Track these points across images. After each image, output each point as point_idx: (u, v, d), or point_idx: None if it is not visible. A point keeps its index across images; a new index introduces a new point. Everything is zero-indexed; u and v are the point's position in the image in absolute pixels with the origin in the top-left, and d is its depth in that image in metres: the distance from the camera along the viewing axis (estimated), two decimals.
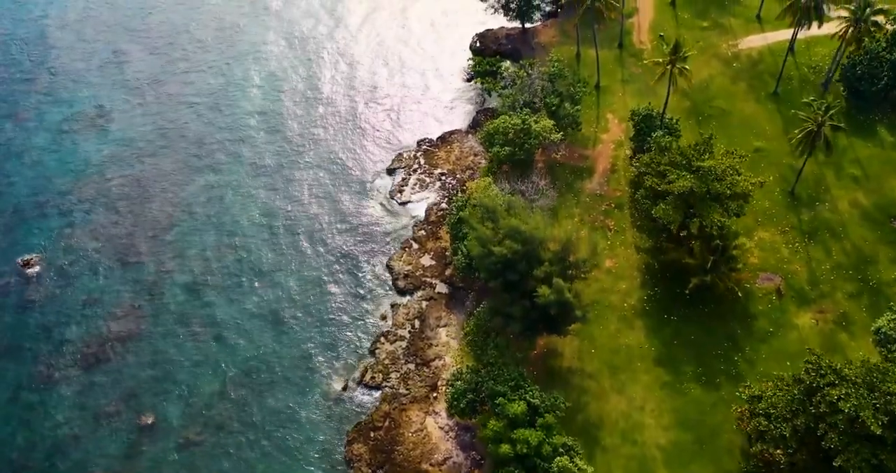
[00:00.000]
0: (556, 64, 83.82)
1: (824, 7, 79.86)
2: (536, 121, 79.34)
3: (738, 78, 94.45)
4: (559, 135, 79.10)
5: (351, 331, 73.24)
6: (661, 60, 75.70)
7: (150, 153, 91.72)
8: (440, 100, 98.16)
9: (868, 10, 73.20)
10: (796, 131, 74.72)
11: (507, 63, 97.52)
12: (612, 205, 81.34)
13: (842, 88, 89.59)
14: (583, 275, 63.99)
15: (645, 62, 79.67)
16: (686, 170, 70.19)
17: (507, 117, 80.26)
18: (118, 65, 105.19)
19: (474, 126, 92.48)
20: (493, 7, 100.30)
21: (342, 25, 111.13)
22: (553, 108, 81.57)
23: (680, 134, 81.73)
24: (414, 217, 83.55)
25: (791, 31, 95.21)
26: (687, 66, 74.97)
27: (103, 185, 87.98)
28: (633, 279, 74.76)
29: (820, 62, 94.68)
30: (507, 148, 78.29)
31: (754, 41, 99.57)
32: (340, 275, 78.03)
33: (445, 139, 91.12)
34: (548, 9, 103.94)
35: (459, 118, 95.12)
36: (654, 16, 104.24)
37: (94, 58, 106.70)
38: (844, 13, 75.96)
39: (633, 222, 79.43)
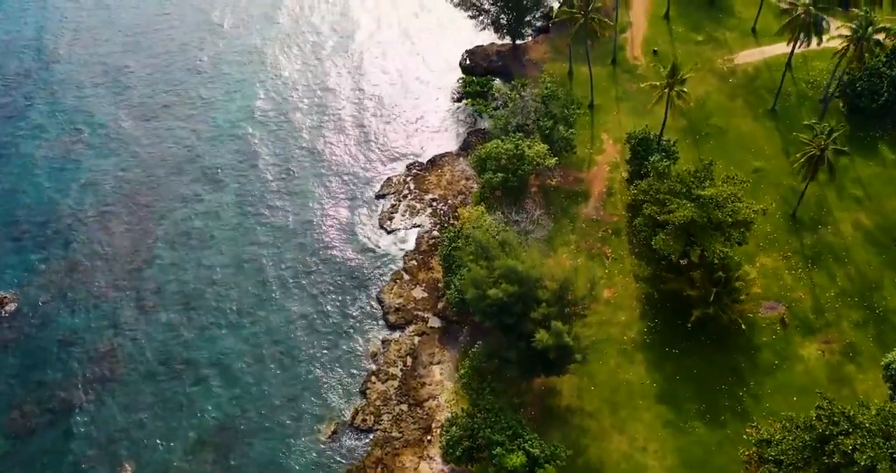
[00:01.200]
0: (548, 85, 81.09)
1: (824, 24, 77.44)
2: (530, 147, 76.64)
3: (735, 94, 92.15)
4: (553, 161, 76.44)
5: (340, 370, 70.22)
6: (657, 84, 73.09)
7: (128, 181, 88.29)
8: (430, 121, 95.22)
9: (870, 28, 70.84)
10: (798, 155, 72.37)
11: (498, 82, 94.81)
12: (609, 231, 78.73)
13: (841, 104, 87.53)
14: (582, 312, 61.27)
15: (642, 86, 76.98)
16: (686, 199, 67.72)
17: (500, 142, 77.52)
18: (95, 87, 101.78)
19: (465, 148, 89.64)
20: (483, 24, 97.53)
21: (326, 48, 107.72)
22: (546, 132, 78.91)
23: (678, 156, 79.31)
24: (404, 245, 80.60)
25: (788, 44, 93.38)
26: (685, 89, 72.39)
27: (81, 216, 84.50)
28: (632, 310, 72.17)
29: (818, 77, 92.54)
30: (499, 174, 75.57)
31: (750, 55, 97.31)
32: (328, 310, 74.95)
33: (436, 162, 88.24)
34: (538, 24, 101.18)
35: (450, 140, 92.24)
36: (648, 30, 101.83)
37: (68, 81, 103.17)
38: (846, 32, 73.62)
39: (632, 249, 76.87)
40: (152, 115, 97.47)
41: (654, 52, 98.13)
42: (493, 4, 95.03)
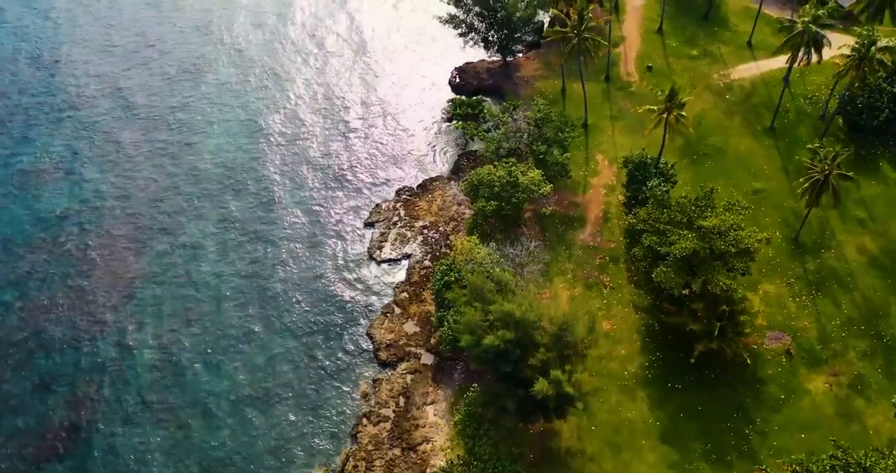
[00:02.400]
0: (541, 107, 78.30)
1: (824, 41, 75.11)
2: (524, 173, 73.95)
3: (732, 111, 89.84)
4: (549, 188, 73.79)
5: (329, 413, 67.29)
6: (654, 108, 70.54)
7: (108, 211, 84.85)
8: (419, 143, 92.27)
9: (874, 48, 68.53)
10: (802, 180, 70.03)
11: (489, 102, 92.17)
12: (607, 259, 76.15)
13: (840, 121, 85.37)
14: (582, 352, 58.66)
15: (640, 111, 74.31)
16: (687, 229, 65.25)
17: (492, 168, 74.80)
18: (73, 109, 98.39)
19: (457, 171, 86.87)
20: (472, 41, 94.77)
21: (310, 69, 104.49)
22: (540, 156, 76.21)
23: (676, 179, 76.91)
24: (395, 276, 77.69)
25: (785, 57, 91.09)
26: (684, 113, 69.85)
27: (58, 249, 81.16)
28: (632, 342, 69.62)
29: (816, 92, 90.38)
30: (493, 202, 72.82)
31: (747, 70, 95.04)
32: (316, 347, 71.96)
33: (426, 187, 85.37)
34: (529, 39, 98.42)
35: (440, 163, 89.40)
36: (641, 45, 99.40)
37: (47, 101, 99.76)
38: (846, 51, 71.33)
39: (630, 277, 74.35)
40: (132, 140, 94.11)
41: (649, 68, 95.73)
42: (482, 21, 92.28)
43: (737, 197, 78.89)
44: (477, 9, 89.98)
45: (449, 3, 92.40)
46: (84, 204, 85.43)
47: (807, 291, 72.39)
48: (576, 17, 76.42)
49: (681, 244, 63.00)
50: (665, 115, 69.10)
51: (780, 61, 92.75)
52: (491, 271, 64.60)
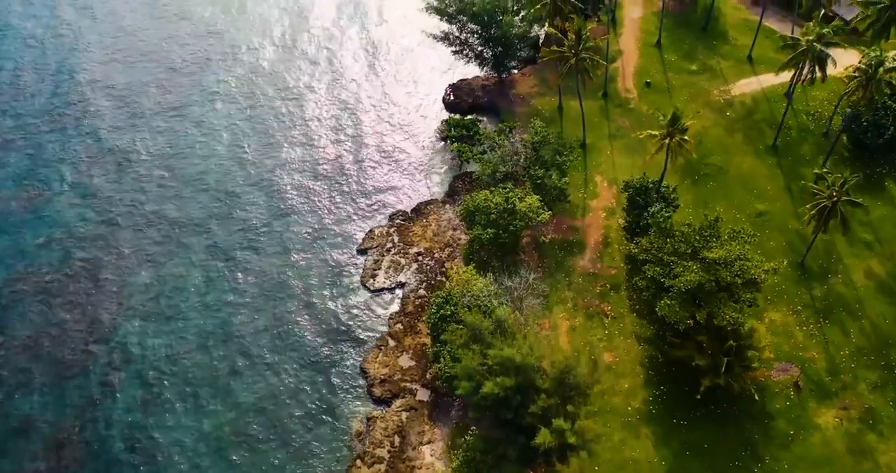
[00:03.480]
0: (539, 131, 75.73)
1: (829, 62, 72.90)
2: (521, 199, 71.44)
3: (733, 129, 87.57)
4: (547, 216, 71.28)
5: (321, 453, 64.57)
6: (656, 134, 68.14)
7: (90, 240, 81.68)
8: (413, 164, 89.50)
9: (881, 69, 66.30)
10: (808, 207, 67.79)
11: (484, 122, 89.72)
12: (608, 286, 73.73)
13: (844, 139, 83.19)
14: (585, 392, 56.23)
15: (641, 137, 71.80)
16: (691, 259, 62.88)
17: (489, 194, 72.26)
18: (54, 132, 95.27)
19: (452, 194, 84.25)
20: (466, 58, 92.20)
21: (300, 85, 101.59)
22: (538, 181, 73.72)
23: (678, 203, 74.53)
24: (389, 306, 75.05)
25: (787, 72, 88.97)
26: (687, 137, 67.45)
27: (38, 280, 78.09)
28: (635, 376, 67.23)
29: (819, 108, 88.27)
30: (489, 230, 70.30)
31: (747, 85, 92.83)
32: (308, 383, 69.22)
33: (420, 211, 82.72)
34: (524, 54, 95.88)
35: (435, 185, 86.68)
36: (639, 59, 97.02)
37: (23, 124, 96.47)
38: (852, 71, 69.08)
39: (632, 305, 71.94)
40: (117, 164, 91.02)
41: (647, 83, 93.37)
42: (476, 38, 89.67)
43: (740, 220, 77.15)
44: (471, 26, 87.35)
45: (441, 20, 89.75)
46: (66, 232, 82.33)
47: (814, 319, 70.19)
48: (573, 36, 73.88)
49: (685, 276, 60.65)
50: (667, 141, 66.57)
51: (782, 76, 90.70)
52: (489, 305, 62.12)
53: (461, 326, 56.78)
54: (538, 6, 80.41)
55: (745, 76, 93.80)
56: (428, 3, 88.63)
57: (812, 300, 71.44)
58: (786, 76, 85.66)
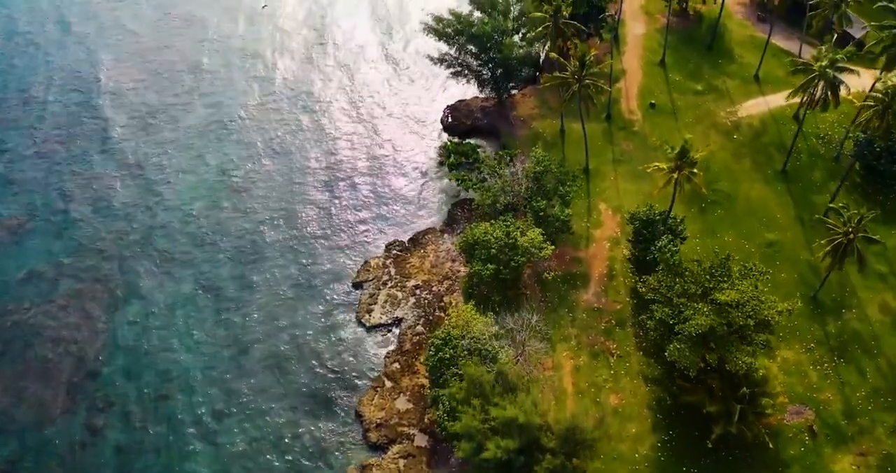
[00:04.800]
0: (542, 162, 72.72)
1: (842, 87, 70.12)
2: (523, 232, 68.54)
3: (741, 153, 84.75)
4: (550, 250, 68.40)
5: None
6: (663, 167, 65.23)
7: (75, 273, 78.55)
8: (410, 190, 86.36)
9: None
10: (823, 242, 65.00)
11: (484, 147, 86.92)
12: (613, 322, 70.85)
13: (856, 164, 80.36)
14: (592, 445, 53.41)
15: (648, 171, 68.69)
16: (701, 301, 60.01)
17: (489, 227, 69.36)
18: (38, 157, 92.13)
19: (450, 223, 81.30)
20: (465, 78, 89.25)
21: (295, 108, 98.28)
22: (540, 213, 70.80)
23: (686, 235, 71.64)
24: (386, 344, 72.08)
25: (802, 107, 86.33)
26: (696, 170, 64.59)
27: (21, 317, 74.97)
28: (643, 420, 64.36)
29: (829, 131, 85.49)
30: (490, 266, 67.40)
31: (754, 106, 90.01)
32: (300, 427, 66.24)
33: (418, 241, 79.74)
34: (525, 72, 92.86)
35: (432, 212, 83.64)
36: (643, 79, 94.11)
37: (12, 143, 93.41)
38: (870, 102, 66.26)
39: (638, 343, 69.08)
40: (104, 191, 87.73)
41: (652, 105, 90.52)
42: (475, 60, 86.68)
43: (750, 250, 74.47)
44: (470, 47, 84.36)
45: (439, 40, 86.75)
46: (48, 264, 79.19)
47: (828, 357, 67.40)
48: (576, 62, 70.96)
49: (696, 320, 57.76)
50: (675, 174, 63.69)
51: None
52: (489, 349, 59.26)
53: (461, 382, 53.84)
54: (539, 29, 77.49)
55: (752, 96, 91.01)
56: (425, 25, 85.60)
57: (826, 337, 68.65)
58: (794, 97, 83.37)
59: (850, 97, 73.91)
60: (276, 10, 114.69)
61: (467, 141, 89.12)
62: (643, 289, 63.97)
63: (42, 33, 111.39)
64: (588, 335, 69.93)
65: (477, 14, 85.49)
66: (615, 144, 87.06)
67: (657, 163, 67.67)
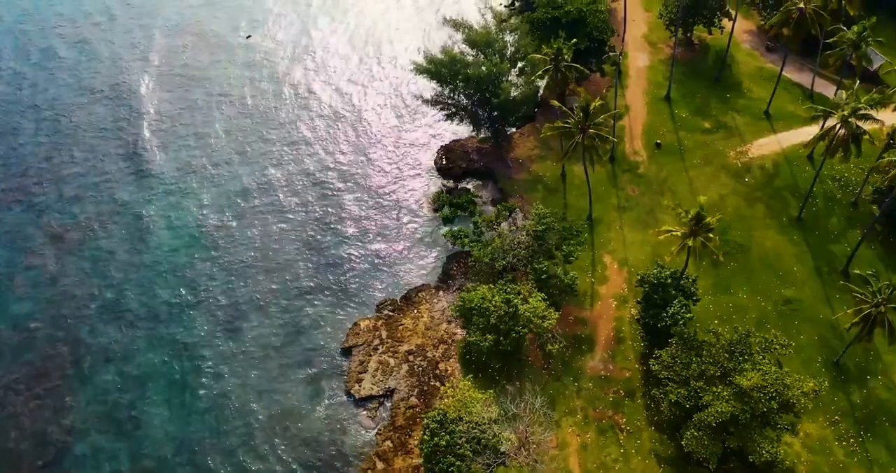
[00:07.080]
0: (543, 220, 67.39)
1: (864, 136, 65.27)
2: (524, 300, 63.35)
3: (754, 198, 79.84)
4: (554, 319, 63.23)
5: None
6: (677, 233, 60.07)
7: (40, 339, 72.45)
8: (402, 241, 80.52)
9: None
10: (850, 312, 60.07)
11: (480, 195, 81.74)
12: (622, 392, 65.76)
13: (875, 209, 75.61)
14: None
15: (660, 238, 63.21)
16: (720, 383, 55.03)
17: (487, 292, 64.15)
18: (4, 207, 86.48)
19: (445, 279, 75.91)
20: (459, 119, 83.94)
21: (276, 149, 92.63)
22: (543, 276, 65.60)
23: (698, 298, 66.58)
24: (377, 418, 66.66)
25: (808, 128, 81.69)
26: (712, 235, 59.51)
27: None
28: None
29: (845, 173, 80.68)
30: (489, 336, 62.23)
31: (766, 145, 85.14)
32: None
33: (411, 299, 74.32)
34: (523, 110, 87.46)
35: (427, 266, 78.04)
36: (648, 116, 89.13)
37: None
38: (890, 156, 61.39)
39: (650, 417, 63.98)
40: (75, 245, 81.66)
41: (658, 144, 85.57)
42: (469, 99, 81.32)
43: (766, 309, 69.62)
44: (465, 89, 78.96)
45: (430, 80, 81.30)
46: (10, 326, 73.38)
47: (854, 431, 62.48)
48: (580, 112, 65.77)
49: (716, 407, 52.90)
50: (689, 241, 58.59)
51: (803, 133, 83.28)
52: (489, 439, 54.07)
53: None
54: (539, 72, 72.24)
55: (763, 134, 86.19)
56: (417, 65, 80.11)
57: (851, 407, 63.75)
58: (807, 134, 78.50)
59: (867, 136, 69.13)
60: (258, 43, 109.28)
61: (462, 186, 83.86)
62: (656, 367, 58.92)
63: None
64: (595, 407, 64.80)
65: (470, 53, 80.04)
66: (620, 188, 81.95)
67: (668, 227, 62.52)
